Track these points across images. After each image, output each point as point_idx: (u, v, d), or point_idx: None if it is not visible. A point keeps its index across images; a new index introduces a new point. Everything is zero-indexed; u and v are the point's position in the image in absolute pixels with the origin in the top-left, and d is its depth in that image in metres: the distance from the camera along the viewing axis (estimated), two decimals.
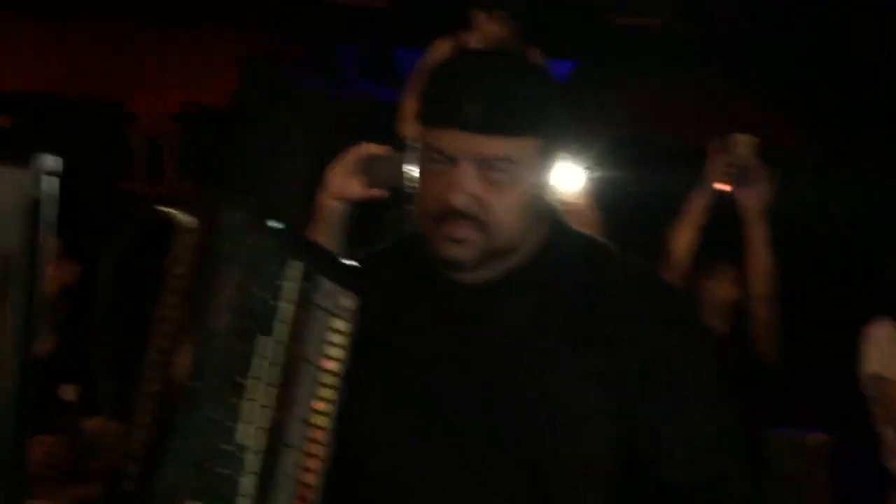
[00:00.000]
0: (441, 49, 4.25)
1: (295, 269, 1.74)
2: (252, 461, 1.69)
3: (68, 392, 3.92)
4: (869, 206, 5.16)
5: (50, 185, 1.50)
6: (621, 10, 5.91)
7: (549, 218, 1.92)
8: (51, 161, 1.48)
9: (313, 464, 1.74)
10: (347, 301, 1.78)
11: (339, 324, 1.77)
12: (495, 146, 1.81)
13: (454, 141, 1.81)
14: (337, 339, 1.77)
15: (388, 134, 3.40)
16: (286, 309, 1.72)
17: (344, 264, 1.81)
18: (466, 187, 1.81)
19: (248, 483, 1.68)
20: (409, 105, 4.13)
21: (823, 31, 5.50)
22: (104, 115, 6.15)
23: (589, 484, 1.85)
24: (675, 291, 2.03)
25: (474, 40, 4.23)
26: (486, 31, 4.27)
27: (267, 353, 1.71)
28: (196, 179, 6.01)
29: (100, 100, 6.19)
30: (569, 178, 3.30)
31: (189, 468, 1.64)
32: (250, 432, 1.69)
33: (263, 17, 6.18)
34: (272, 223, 1.73)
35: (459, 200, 1.81)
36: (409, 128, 3.72)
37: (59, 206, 1.53)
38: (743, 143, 3.68)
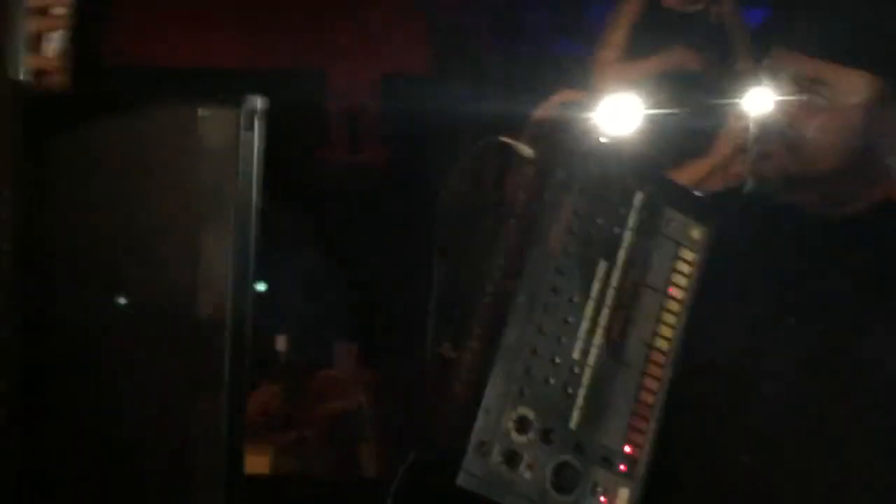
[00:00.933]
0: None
1: (639, 198, 1.80)
2: (585, 376, 1.75)
3: (280, 342, 4.07)
4: None
5: (260, 126, 1.54)
6: None
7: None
8: (259, 101, 1.53)
9: (653, 385, 1.79)
10: (697, 232, 1.83)
11: (687, 254, 1.82)
12: (815, 67, 1.83)
13: (780, 60, 1.86)
14: (684, 268, 1.82)
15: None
16: (628, 236, 1.79)
17: (694, 195, 1.87)
18: (781, 104, 1.85)
19: (579, 396, 1.74)
20: (603, 57, 4.15)
21: None
22: (303, 86, 6.25)
23: None
24: None
25: None
26: None
27: (606, 277, 1.77)
28: (395, 147, 6.10)
29: (298, 71, 6.30)
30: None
31: (517, 377, 1.71)
32: (585, 349, 1.75)
33: None
34: (617, 152, 1.81)
35: (770, 113, 1.85)
36: (603, 81, 3.73)
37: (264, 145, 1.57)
38: None
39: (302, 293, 4.96)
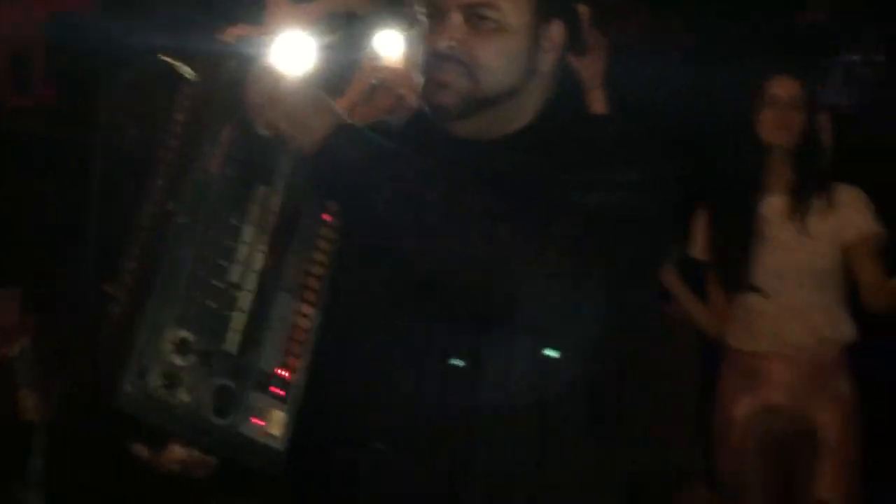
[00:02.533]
0: None
1: None
2: (244, 299, 1.75)
3: None
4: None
5: None
6: None
7: (554, 87, 1.98)
8: None
9: (308, 310, 1.82)
10: None
11: None
12: None
13: None
14: None
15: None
16: (288, 161, 1.79)
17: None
18: (451, 32, 1.88)
19: (238, 319, 1.75)
20: None
21: None
22: None
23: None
24: None
25: None
26: None
27: (265, 201, 1.78)
28: (65, 89, 5.92)
29: None
30: (389, 44, 3.29)
31: (177, 299, 1.70)
32: (243, 273, 1.76)
33: None
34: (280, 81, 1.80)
35: (443, 44, 1.88)
36: (275, 18, 3.72)
37: None
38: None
39: None
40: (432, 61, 1.92)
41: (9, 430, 3.58)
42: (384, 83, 3.03)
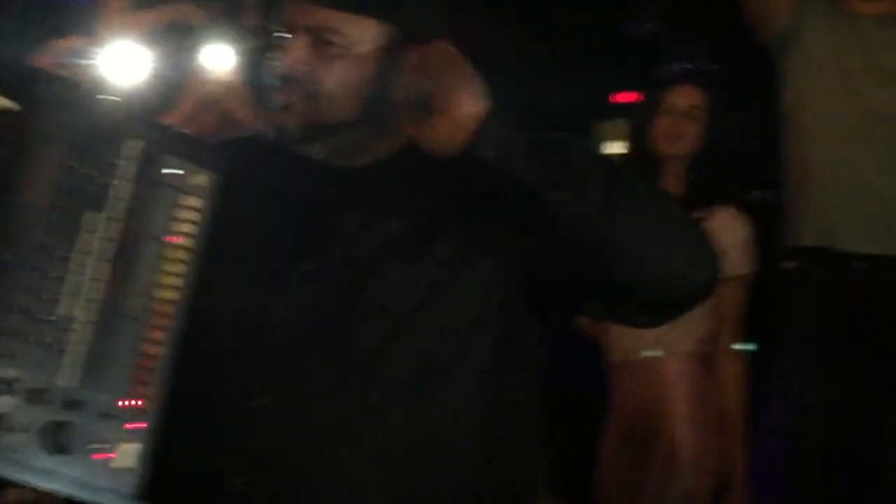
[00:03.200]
0: None
1: (133, 147, 1.73)
2: (81, 331, 1.68)
3: None
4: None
5: None
6: None
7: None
8: None
9: (157, 336, 1.75)
10: (200, 178, 1.79)
11: (191, 200, 1.78)
12: (325, 17, 1.86)
13: (289, 12, 1.89)
14: (187, 215, 1.78)
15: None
16: (122, 186, 1.71)
17: (195, 142, 1.82)
18: (296, 54, 1.84)
19: (74, 352, 1.68)
20: (109, 5, 4.05)
21: None
22: None
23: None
24: None
25: None
26: None
27: (99, 229, 1.70)
28: None
29: None
30: (221, 58, 3.25)
31: (2, 338, 1.63)
32: (79, 304, 1.68)
33: None
34: (110, 100, 1.73)
35: (286, 65, 1.84)
36: (108, 29, 3.64)
37: None
38: None
39: None
40: (277, 82, 1.88)
41: None
42: (213, 97, 2.99)
